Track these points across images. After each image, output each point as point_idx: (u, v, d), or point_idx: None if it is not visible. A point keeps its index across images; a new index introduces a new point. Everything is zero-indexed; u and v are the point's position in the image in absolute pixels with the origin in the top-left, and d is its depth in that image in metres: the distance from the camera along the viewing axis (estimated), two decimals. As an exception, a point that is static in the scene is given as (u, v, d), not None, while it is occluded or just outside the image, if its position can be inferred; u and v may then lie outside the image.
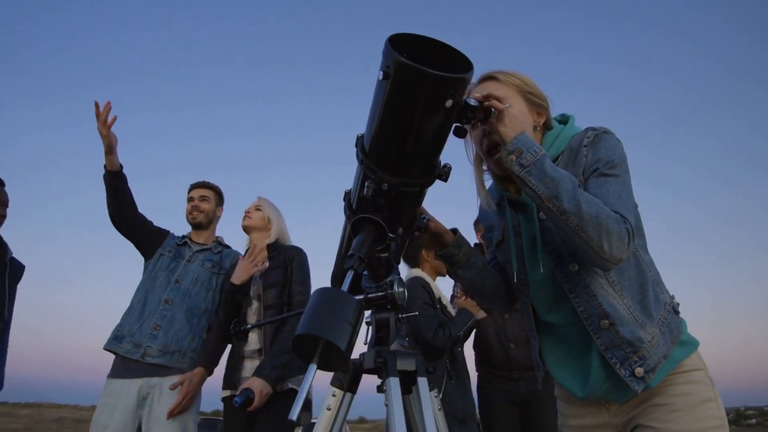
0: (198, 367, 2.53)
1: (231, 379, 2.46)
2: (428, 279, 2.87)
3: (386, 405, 0.96)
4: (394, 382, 0.98)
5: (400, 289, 1.15)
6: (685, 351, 1.24)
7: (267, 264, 2.60)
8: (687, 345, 1.25)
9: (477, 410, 2.81)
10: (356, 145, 1.15)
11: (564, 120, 1.42)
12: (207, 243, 2.91)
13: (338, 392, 1.06)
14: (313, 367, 0.84)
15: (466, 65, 1.01)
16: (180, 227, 2.98)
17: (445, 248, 1.40)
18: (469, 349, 3.14)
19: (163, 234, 2.88)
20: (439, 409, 1.11)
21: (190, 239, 2.91)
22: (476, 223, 3.14)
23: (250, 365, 2.41)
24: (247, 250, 2.74)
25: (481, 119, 1.18)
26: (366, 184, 1.09)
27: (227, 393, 2.45)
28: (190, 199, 2.91)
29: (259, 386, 2.16)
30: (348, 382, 1.08)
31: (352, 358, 1.14)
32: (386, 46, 0.96)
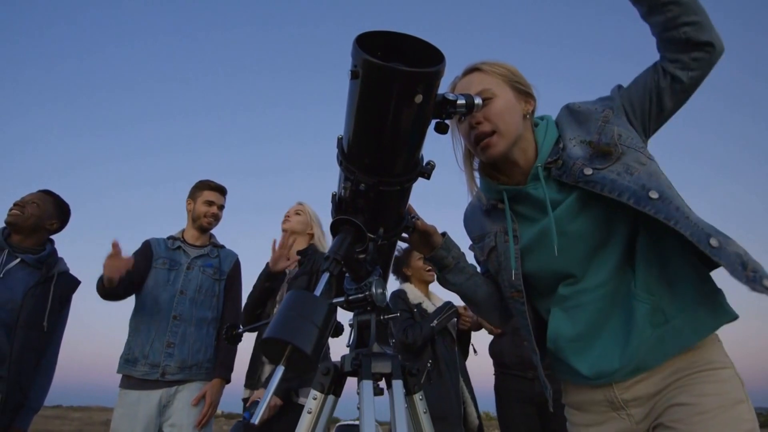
0: (215, 378, 2.58)
1: (251, 380, 2.48)
2: (408, 289, 2.95)
3: (359, 408, 0.94)
4: (366, 385, 0.96)
5: (379, 290, 1.13)
6: (719, 320, 1.12)
7: (295, 266, 2.55)
8: (723, 314, 1.13)
9: (461, 411, 2.73)
10: (337, 147, 1.14)
11: (543, 118, 1.36)
12: (203, 244, 2.78)
13: (319, 395, 1.05)
14: (280, 368, 0.83)
15: (438, 59, 0.99)
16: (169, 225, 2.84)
17: (434, 250, 1.37)
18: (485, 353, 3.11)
19: (145, 252, 2.67)
20: (425, 412, 1.08)
21: (185, 242, 2.77)
22: None
23: (268, 369, 2.41)
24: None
25: (463, 113, 1.14)
26: (343, 185, 1.09)
27: (248, 393, 2.48)
28: (209, 203, 2.78)
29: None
30: (329, 385, 1.07)
31: (334, 360, 1.13)
32: (353, 46, 0.94)
